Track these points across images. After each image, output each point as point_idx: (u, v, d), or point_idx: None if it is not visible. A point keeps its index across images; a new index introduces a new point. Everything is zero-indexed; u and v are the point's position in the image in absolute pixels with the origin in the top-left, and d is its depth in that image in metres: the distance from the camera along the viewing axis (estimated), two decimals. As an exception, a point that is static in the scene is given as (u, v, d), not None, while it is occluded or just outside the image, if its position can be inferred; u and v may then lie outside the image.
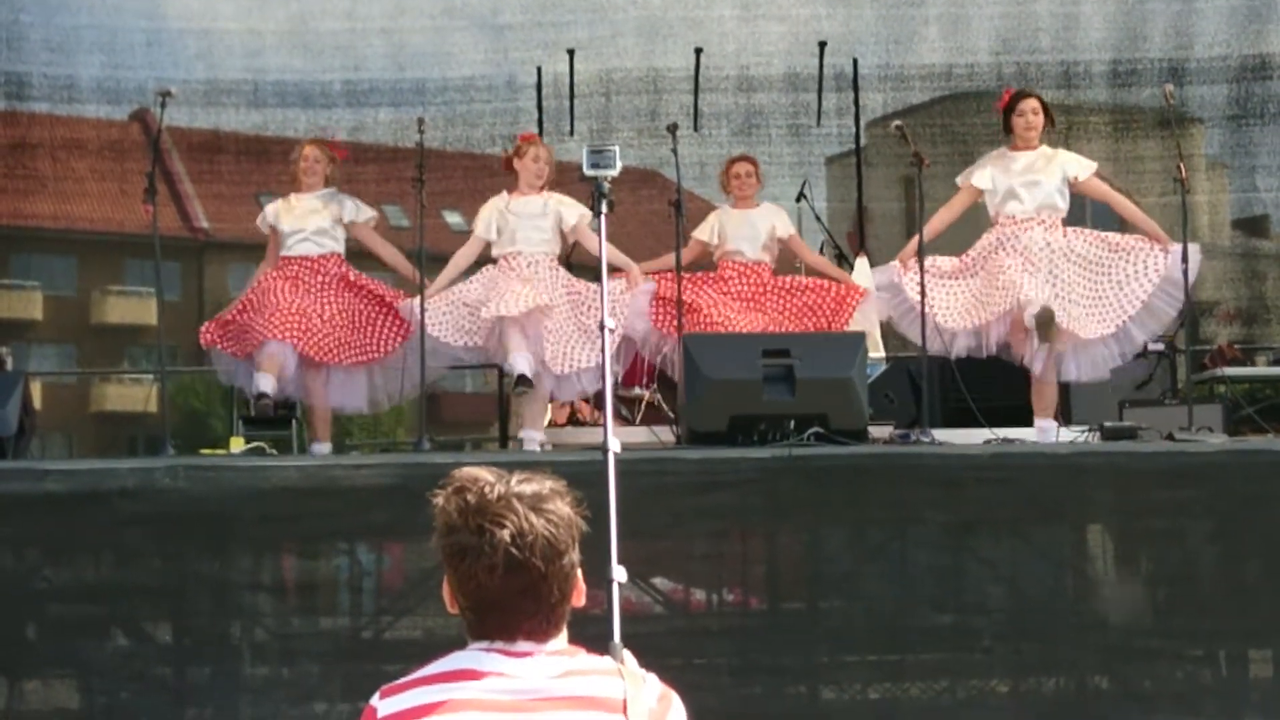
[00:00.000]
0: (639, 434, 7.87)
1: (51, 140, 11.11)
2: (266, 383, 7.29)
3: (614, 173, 3.13)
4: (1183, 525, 6.99)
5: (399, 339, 7.56)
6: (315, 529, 6.85)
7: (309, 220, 7.71)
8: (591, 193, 3.12)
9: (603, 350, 3.05)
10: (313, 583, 7.07)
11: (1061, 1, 11.01)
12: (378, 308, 7.65)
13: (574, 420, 8.83)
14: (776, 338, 7.32)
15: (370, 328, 7.61)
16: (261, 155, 10.82)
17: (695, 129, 10.54)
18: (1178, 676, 6.96)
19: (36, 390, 9.81)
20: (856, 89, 10.30)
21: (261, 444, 7.76)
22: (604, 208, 3.10)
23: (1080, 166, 7.65)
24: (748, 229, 7.94)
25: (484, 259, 7.74)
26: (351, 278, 7.71)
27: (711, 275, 7.88)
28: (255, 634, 6.91)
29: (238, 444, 7.74)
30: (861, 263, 8.05)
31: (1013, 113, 7.71)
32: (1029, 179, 7.55)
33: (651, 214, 10.14)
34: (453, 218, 11.51)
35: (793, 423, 6.84)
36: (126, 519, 6.52)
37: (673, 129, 7.67)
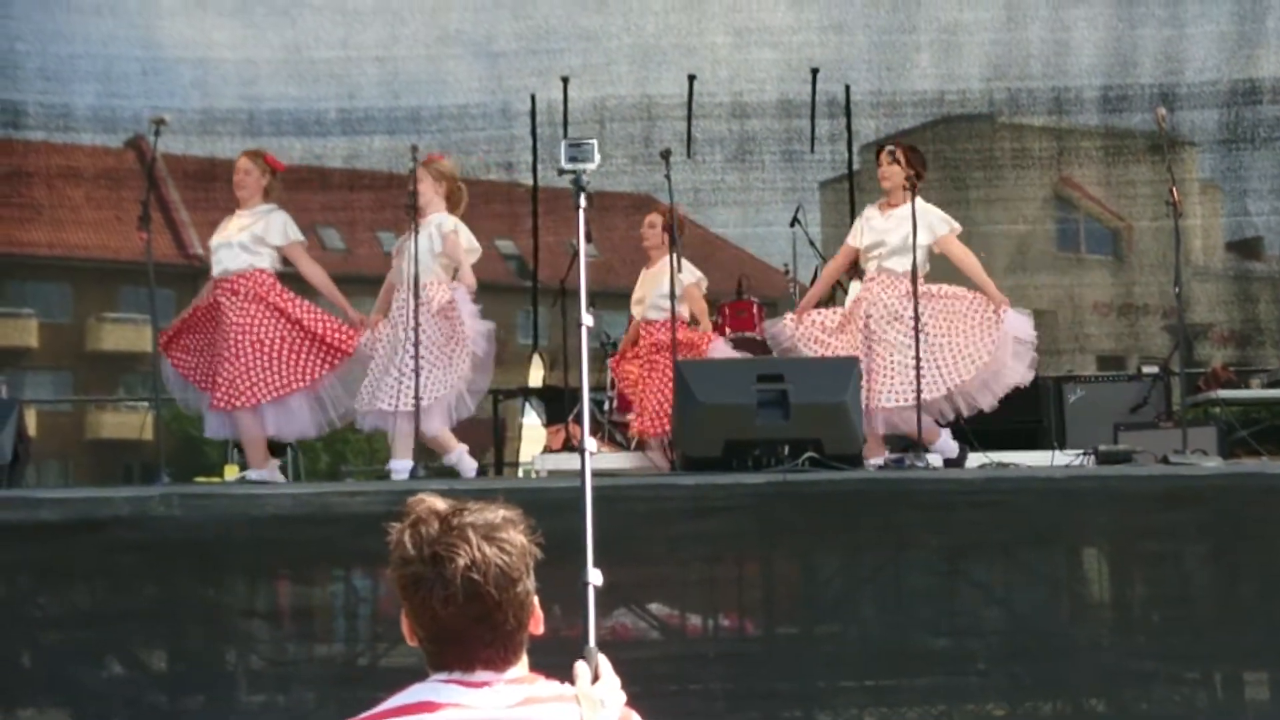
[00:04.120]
0: (633, 460, 7.87)
1: (47, 168, 11.14)
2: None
3: (592, 166, 3.07)
4: (1178, 548, 6.99)
5: (325, 368, 7.39)
6: (310, 556, 6.84)
7: (234, 235, 7.54)
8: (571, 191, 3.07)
9: (580, 348, 3.01)
10: (308, 609, 7.05)
11: (1052, 28, 11.07)
12: (300, 335, 7.40)
13: (569, 446, 8.83)
14: (770, 362, 7.33)
15: (292, 356, 7.37)
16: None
17: (688, 155, 10.58)
18: (1174, 699, 6.96)
19: (31, 418, 9.81)
20: (849, 115, 10.35)
21: (256, 471, 7.76)
22: (582, 202, 3.05)
23: (933, 229, 7.51)
24: (654, 286, 7.93)
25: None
26: (274, 299, 7.44)
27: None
28: (250, 661, 6.90)
29: (232, 471, 7.75)
30: (855, 287, 8.07)
31: (878, 164, 7.72)
32: (883, 239, 7.53)
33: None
34: (447, 244, 11.51)
35: (787, 448, 6.84)
36: (121, 547, 6.51)
37: (666, 155, 7.69)
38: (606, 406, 8.45)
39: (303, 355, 7.40)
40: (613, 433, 8.48)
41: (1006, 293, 7.69)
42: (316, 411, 7.47)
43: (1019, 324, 7.42)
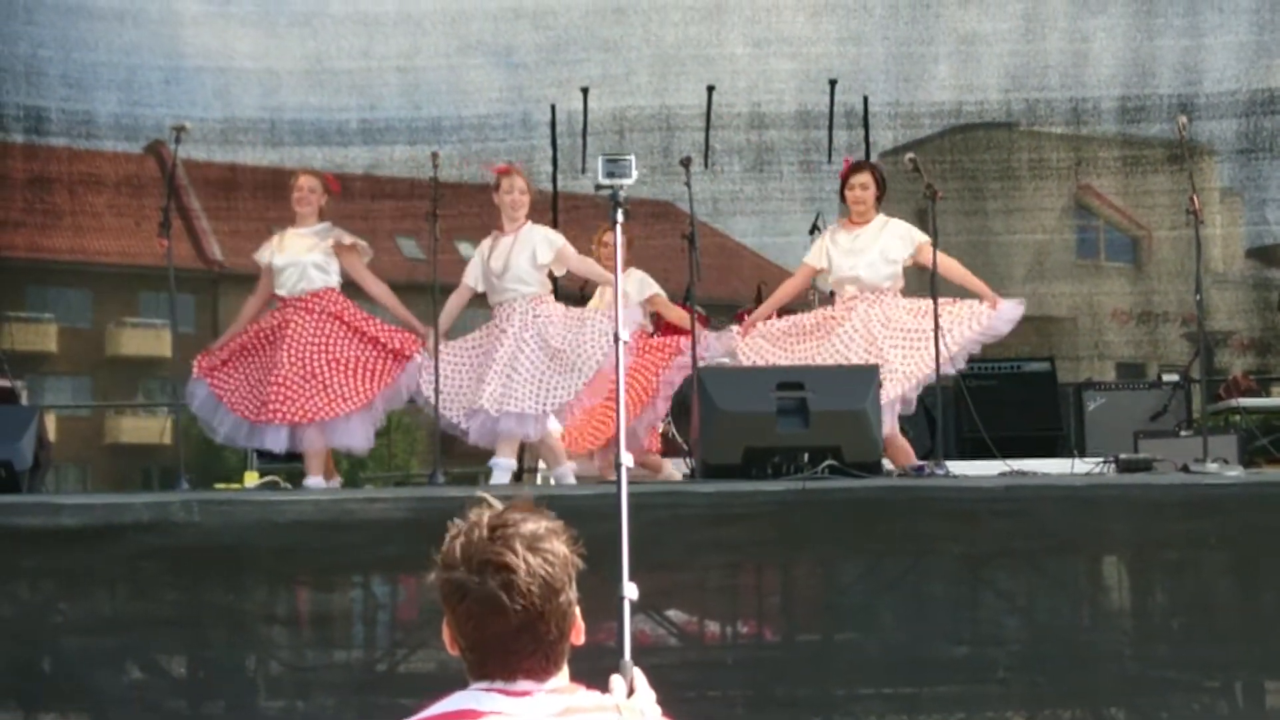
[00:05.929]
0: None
1: (69, 175, 11.19)
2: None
3: (629, 181, 3.08)
4: (1198, 556, 6.98)
5: (389, 379, 7.41)
6: (330, 562, 6.85)
7: (304, 255, 7.55)
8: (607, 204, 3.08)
9: (616, 364, 3.02)
10: (327, 615, 7.07)
11: (1071, 38, 11.08)
12: (374, 351, 7.45)
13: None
14: (790, 370, 7.33)
15: (365, 373, 7.41)
16: (278, 190, 10.86)
17: (706, 166, 10.60)
18: (1194, 708, 6.94)
19: (51, 423, 9.83)
20: (867, 126, 10.36)
21: (276, 478, 7.79)
22: (620, 217, 3.07)
23: (905, 245, 7.55)
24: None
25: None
26: (347, 318, 7.50)
27: None
28: (270, 667, 6.92)
29: (252, 478, 7.77)
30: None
31: (845, 185, 7.71)
32: (857, 258, 7.54)
33: (666, 248, 10.20)
34: (467, 250, 11.58)
35: (806, 455, 6.84)
36: (142, 553, 6.54)
37: (686, 163, 7.69)
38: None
39: (375, 370, 7.43)
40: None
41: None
42: (368, 425, 7.45)
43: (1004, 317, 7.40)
